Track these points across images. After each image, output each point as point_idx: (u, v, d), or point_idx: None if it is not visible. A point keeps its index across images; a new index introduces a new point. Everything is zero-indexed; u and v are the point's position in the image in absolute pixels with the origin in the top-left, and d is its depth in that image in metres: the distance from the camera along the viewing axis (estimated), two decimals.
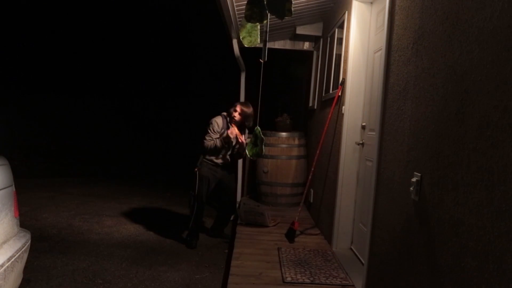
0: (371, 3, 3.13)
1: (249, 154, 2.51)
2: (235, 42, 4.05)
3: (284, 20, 2.16)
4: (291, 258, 3.00)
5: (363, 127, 3.17)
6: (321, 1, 3.80)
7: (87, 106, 11.58)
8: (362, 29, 3.15)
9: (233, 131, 3.52)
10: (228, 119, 3.63)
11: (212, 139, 3.53)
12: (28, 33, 11.07)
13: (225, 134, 3.50)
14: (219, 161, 3.62)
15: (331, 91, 3.78)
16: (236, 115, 3.59)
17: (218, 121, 3.58)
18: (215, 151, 3.54)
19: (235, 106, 3.64)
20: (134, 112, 12.09)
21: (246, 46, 2.36)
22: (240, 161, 4.90)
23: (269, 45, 4.65)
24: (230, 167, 3.80)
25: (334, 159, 3.46)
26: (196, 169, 3.59)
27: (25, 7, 10.61)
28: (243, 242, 3.37)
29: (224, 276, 2.99)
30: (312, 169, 3.73)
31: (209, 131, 3.56)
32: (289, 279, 2.61)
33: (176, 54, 11.75)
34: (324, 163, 3.84)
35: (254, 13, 1.95)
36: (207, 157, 3.59)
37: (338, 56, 3.65)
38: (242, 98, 4.85)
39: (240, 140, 3.56)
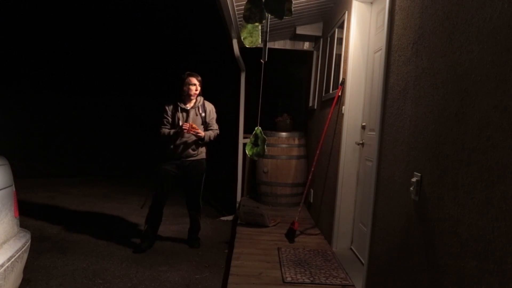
0: (371, 3, 3.13)
1: (249, 154, 2.51)
2: (235, 42, 4.05)
3: (284, 20, 2.16)
4: (291, 258, 3.00)
5: (363, 127, 3.17)
6: (321, 1, 3.81)
7: (87, 106, 11.59)
8: (362, 29, 3.15)
9: (185, 127, 3.24)
10: (181, 101, 3.38)
11: (165, 126, 3.35)
12: (28, 33, 11.07)
13: (180, 129, 3.28)
14: (176, 154, 3.37)
15: (331, 91, 3.78)
16: (194, 90, 3.33)
17: (166, 107, 3.40)
18: (165, 138, 3.34)
19: (186, 79, 3.33)
20: (134, 111, 12.08)
21: (247, 46, 2.36)
22: (240, 161, 4.90)
23: (269, 45, 4.65)
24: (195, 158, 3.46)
25: (334, 159, 3.46)
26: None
27: (26, 7, 10.61)
28: (243, 242, 3.37)
29: (224, 276, 2.99)
30: (312, 169, 3.73)
31: (162, 118, 3.39)
32: (289, 279, 2.61)
33: (176, 54, 11.75)
34: (324, 163, 3.84)
35: (252, 14, 1.95)
36: (165, 150, 3.40)
37: (338, 56, 3.65)
38: (242, 98, 4.86)
39: (199, 135, 3.30)
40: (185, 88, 3.34)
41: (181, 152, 3.37)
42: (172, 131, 3.33)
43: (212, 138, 3.44)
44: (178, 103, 3.38)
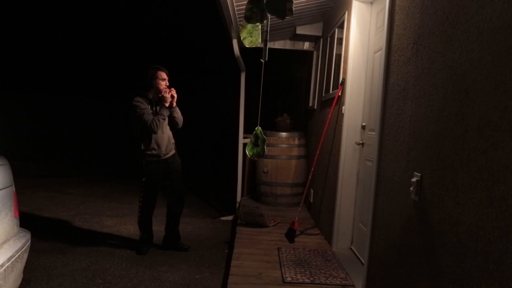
0: (371, 3, 3.13)
1: (249, 154, 2.51)
2: (235, 42, 4.05)
3: (284, 20, 2.16)
4: (291, 258, 3.00)
5: (363, 127, 3.17)
6: (321, 1, 3.81)
7: (87, 106, 11.59)
8: (362, 29, 3.15)
9: (170, 91, 3.15)
10: (150, 94, 3.20)
11: (149, 115, 3.10)
12: (28, 33, 11.07)
13: (167, 96, 3.14)
14: (162, 150, 3.24)
15: (331, 91, 3.78)
16: (164, 84, 3.18)
17: (139, 99, 3.16)
18: (158, 127, 3.13)
19: (152, 71, 3.17)
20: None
21: (247, 46, 2.36)
22: (240, 161, 4.90)
23: (269, 45, 4.65)
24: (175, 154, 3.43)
25: (334, 159, 3.46)
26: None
27: (26, 7, 10.62)
28: (243, 242, 3.37)
29: (224, 276, 2.99)
30: (312, 169, 3.73)
31: (139, 110, 3.11)
32: (289, 279, 2.61)
33: (175, 54, 11.75)
34: (324, 163, 3.84)
35: (253, 14, 1.95)
36: (147, 149, 3.19)
37: (338, 56, 3.65)
38: (242, 98, 4.86)
39: (174, 104, 3.21)
40: (154, 81, 3.18)
41: (164, 149, 3.25)
42: (161, 111, 3.13)
43: (181, 121, 3.34)
44: (147, 96, 3.21)
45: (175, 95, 3.22)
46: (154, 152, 3.22)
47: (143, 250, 3.36)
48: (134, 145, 3.29)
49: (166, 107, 3.18)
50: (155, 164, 3.26)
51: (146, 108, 3.15)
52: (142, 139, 3.21)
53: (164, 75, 3.22)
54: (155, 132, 3.15)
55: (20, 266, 2.01)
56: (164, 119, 3.18)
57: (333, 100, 3.48)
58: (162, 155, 3.26)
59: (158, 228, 3.82)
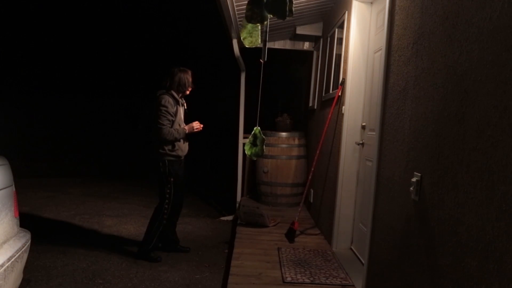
0: (371, 3, 3.13)
1: (248, 153, 2.51)
2: (235, 42, 4.05)
3: (284, 20, 2.16)
4: (291, 258, 3.00)
5: (363, 127, 3.17)
6: (321, 1, 3.81)
7: (87, 106, 11.60)
8: (362, 29, 3.15)
9: (198, 126, 3.24)
10: (178, 95, 3.20)
11: (170, 125, 3.08)
12: (28, 33, 11.08)
13: (194, 129, 3.22)
14: (183, 152, 3.25)
15: (331, 91, 3.78)
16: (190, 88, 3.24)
17: (170, 101, 3.10)
18: (174, 140, 3.13)
19: (188, 75, 3.20)
20: (134, 112, 12.09)
21: (247, 46, 2.36)
22: (240, 161, 4.90)
23: (269, 45, 4.65)
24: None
25: (334, 159, 3.46)
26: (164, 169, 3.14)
27: (26, 7, 10.63)
28: (243, 242, 3.37)
29: (224, 276, 2.99)
30: (312, 169, 3.73)
31: (165, 113, 3.07)
32: (289, 279, 2.61)
33: (175, 54, 11.76)
34: (324, 163, 3.84)
35: (254, 14, 1.95)
36: (171, 150, 3.14)
37: (338, 56, 3.65)
38: (242, 98, 4.86)
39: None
40: (187, 82, 3.18)
41: (185, 149, 3.25)
42: (181, 131, 3.14)
43: None
44: (176, 97, 3.17)
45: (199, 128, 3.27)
46: (179, 153, 3.19)
47: (158, 257, 3.20)
48: (153, 143, 3.19)
49: (186, 133, 3.21)
50: (177, 164, 3.22)
51: (171, 114, 3.10)
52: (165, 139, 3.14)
53: (190, 76, 3.26)
54: (163, 136, 3.08)
55: (20, 266, 2.01)
56: (175, 139, 3.15)
57: (333, 100, 3.48)
58: (182, 156, 3.27)
59: None
